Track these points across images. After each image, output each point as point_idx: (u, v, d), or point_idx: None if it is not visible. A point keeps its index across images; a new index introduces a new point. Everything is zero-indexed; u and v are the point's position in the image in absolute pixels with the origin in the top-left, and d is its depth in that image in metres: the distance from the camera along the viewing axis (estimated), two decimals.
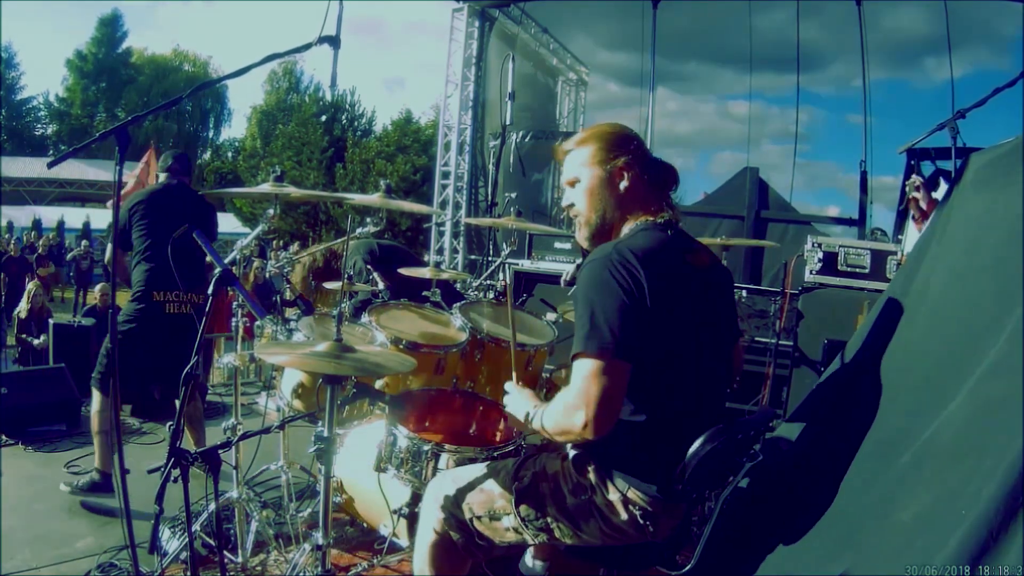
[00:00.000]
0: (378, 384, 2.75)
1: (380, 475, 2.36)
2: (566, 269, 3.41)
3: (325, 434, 1.94)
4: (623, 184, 1.85)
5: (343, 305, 2.75)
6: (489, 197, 7.85)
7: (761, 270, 7.62)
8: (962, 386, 1.58)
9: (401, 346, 2.77)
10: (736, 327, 2.03)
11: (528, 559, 2.32)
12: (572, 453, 1.85)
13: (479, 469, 1.99)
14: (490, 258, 5.66)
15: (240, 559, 2.77)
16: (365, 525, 3.03)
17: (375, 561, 2.83)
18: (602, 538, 1.81)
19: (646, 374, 1.69)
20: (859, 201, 8.73)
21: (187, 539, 2.11)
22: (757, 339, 5.22)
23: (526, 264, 6.00)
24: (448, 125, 9.87)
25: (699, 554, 1.82)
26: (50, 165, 2.63)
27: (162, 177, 3.98)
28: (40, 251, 14.23)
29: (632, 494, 1.74)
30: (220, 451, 1.96)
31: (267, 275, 9.16)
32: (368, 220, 3.29)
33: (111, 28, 36.30)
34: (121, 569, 2.71)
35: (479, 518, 1.90)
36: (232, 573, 2.73)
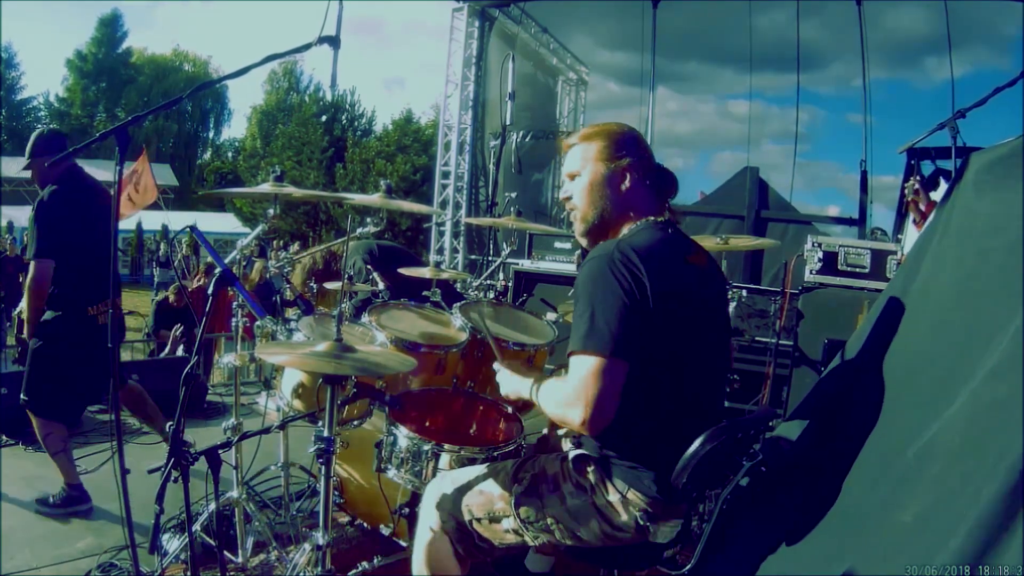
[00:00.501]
0: (378, 384, 2.75)
1: (380, 475, 2.36)
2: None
3: (325, 434, 1.94)
4: (624, 185, 1.86)
5: (344, 305, 2.75)
6: (489, 197, 7.85)
7: (761, 270, 7.62)
8: (964, 387, 1.58)
9: (401, 346, 2.77)
10: (730, 326, 2.04)
11: (532, 555, 2.32)
12: (572, 454, 1.85)
13: (478, 470, 1.99)
14: (490, 258, 5.66)
15: (240, 559, 2.77)
16: (365, 525, 3.03)
17: (375, 561, 2.83)
18: (602, 539, 1.81)
19: (647, 373, 1.69)
20: (859, 201, 8.73)
21: (187, 539, 2.11)
22: (757, 339, 5.22)
23: (526, 264, 6.00)
24: (448, 125, 9.88)
25: (699, 554, 1.82)
26: (50, 165, 2.63)
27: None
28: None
29: (632, 495, 1.74)
30: (220, 451, 1.96)
31: (267, 275, 9.16)
32: (368, 220, 3.28)
33: (111, 28, 36.28)
34: (121, 569, 2.71)
35: (479, 520, 1.90)
36: (232, 573, 2.73)
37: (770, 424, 2.84)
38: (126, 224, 18.20)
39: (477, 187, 10.06)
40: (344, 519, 3.21)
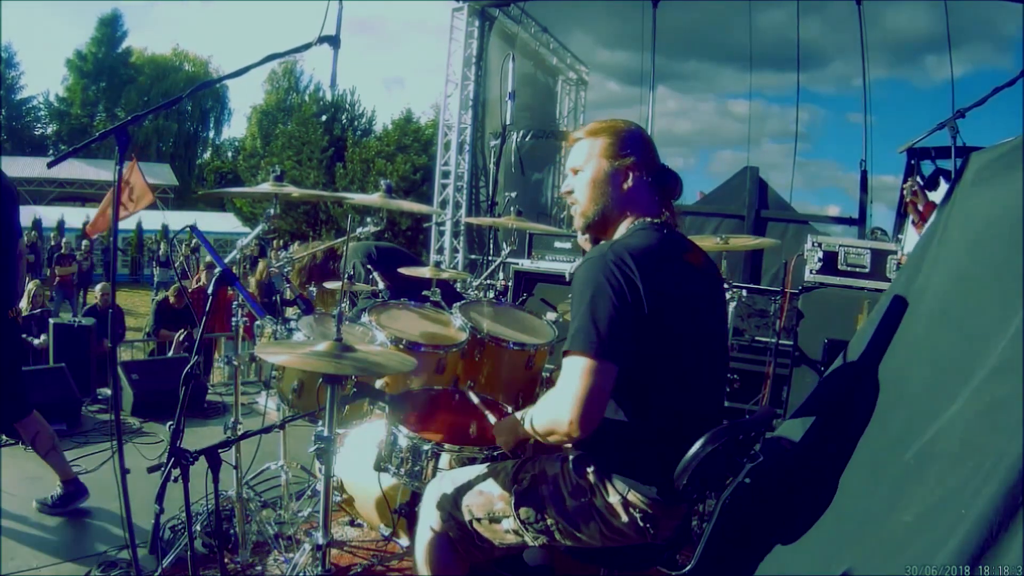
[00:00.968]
0: (378, 384, 2.75)
1: (380, 475, 2.36)
2: (574, 264, 3.42)
3: (325, 434, 1.94)
4: (626, 184, 1.85)
5: (343, 305, 2.75)
6: (489, 196, 7.85)
7: (761, 270, 7.62)
8: (964, 388, 1.58)
9: (401, 346, 2.77)
10: (727, 327, 2.05)
11: (531, 549, 2.32)
12: (572, 455, 1.85)
13: (478, 471, 1.99)
14: (490, 258, 5.66)
15: (240, 559, 2.77)
16: (365, 525, 3.03)
17: (375, 561, 2.84)
18: (602, 540, 1.81)
19: (645, 375, 1.69)
20: (859, 200, 8.73)
21: (187, 539, 2.11)
22: (757, 339, 5.23)
23: (526, 263, 5.99)
24: (448, 124, 9.87)
25: (699, 554, 1.82)
26: (50, 165, 2.63)
27: None
28: (63, 251, 14.26)
29: (632, 496, 1.74)
30: (220, 450, 1.96)
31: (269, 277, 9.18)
32: (368, 220, 3.28)
33: (111, 28, 36.28)
34: (121, 569, 2.71)
35: (479, 520, 1.90)
36: (232, 573, 2.73)
37: (771, 424, 2.84)
38: (126, 224, 18.18)
39: (477, 187, 10.06)
40: (344, 519, 3.21)
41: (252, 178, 26.04)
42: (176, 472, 1.87)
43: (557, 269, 5.76)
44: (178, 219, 13.93)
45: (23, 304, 7.71)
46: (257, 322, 2.81)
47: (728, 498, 1.86)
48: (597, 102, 13.91)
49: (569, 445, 1.88)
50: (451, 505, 1.93)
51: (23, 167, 25.55)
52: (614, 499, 1.76)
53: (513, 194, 5.53)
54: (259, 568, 2.78)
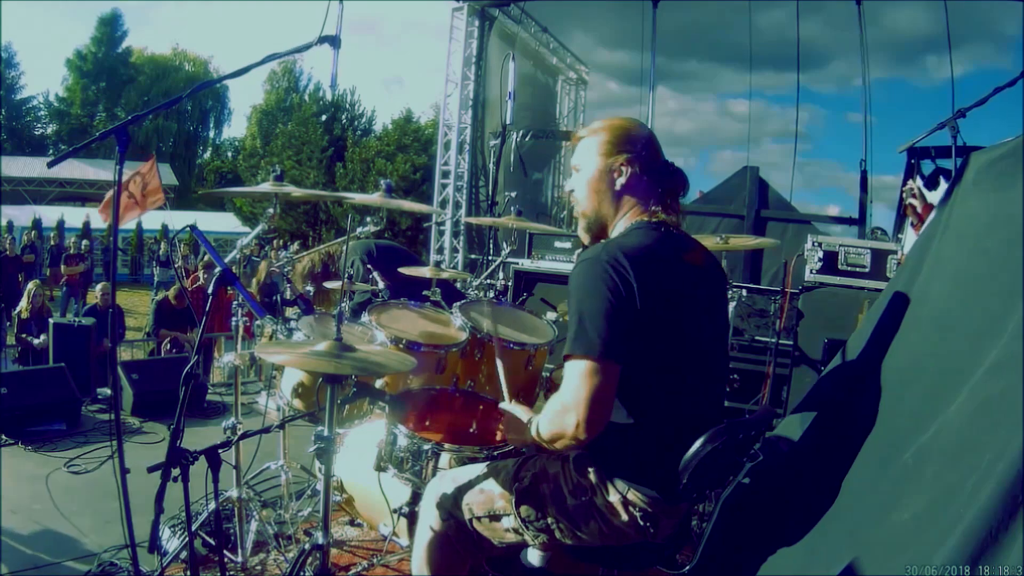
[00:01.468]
0: (378, 383, 2.75)
1: (380, 474, 2.36)
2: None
3: (325, 434, 1.94)
4: (620, 180, 1.84)
5: (343, 304, 2.75)
6: (489, 196, 7.86)
7: (761, 269, 7.62)
8: (963, 387, 1.58)
9: (401, 345, 2.77)
10: (729, 325, 2.03)
11: (529, 552, 2.32)
12: (572, 454, 1.85)
13: (479, 469, 1.99)
14: (490, 257, 5.67)
15: (240, 559, 2.77)
16: (365, 525, 3.03)
17: (375, 561, 2.84)
18: (602, 539, 1.81)
19: (644, 375, 1.69)
20: (859, 200, 8.73)
21: (187, 538, 2.11)
22: (757, 338, 5.23)
23: (526, 263, 5.99)
24: (448, 124, 9.87)
25: (699, 554, 1.82)
26: (50, 165, 2.63)
27: None
28: (71, 250, 14.27)
29: (632, 495, 1.74)
30: (220, 450, 1.96)
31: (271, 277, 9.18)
32: (368, 219, 3.28)
33: (111, 28, 36.22)
34: (121, 569, 2.71)
35: (479, 519, 1.90)
36: (232, 573, 2.73)
37: (771, 424, 2.84)
38: (125, 224, 18.18)
39: (477, 186, 10.05)
40: (344, 519, 3.21)
41: (252, 178, 26.01)
42: (176, 472, 1.87)
43: (557, 269, 5.76)
44: (178, 219, 13.89)
45: (23, 304, 7.72)
46: (257, 322, 2.81)
47: (728, 497, 1.86)
48: (597, 102, 13.94)
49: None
50: (451, 504, 1.93)
51: (23, 167, 25.56)
52: (614, 498, 1.75)
53: (513, 194, 5.54)
54: (259, 568, 2.78)
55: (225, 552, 2.73)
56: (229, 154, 36.82)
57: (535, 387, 3.07)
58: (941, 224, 2.19)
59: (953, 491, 1.41)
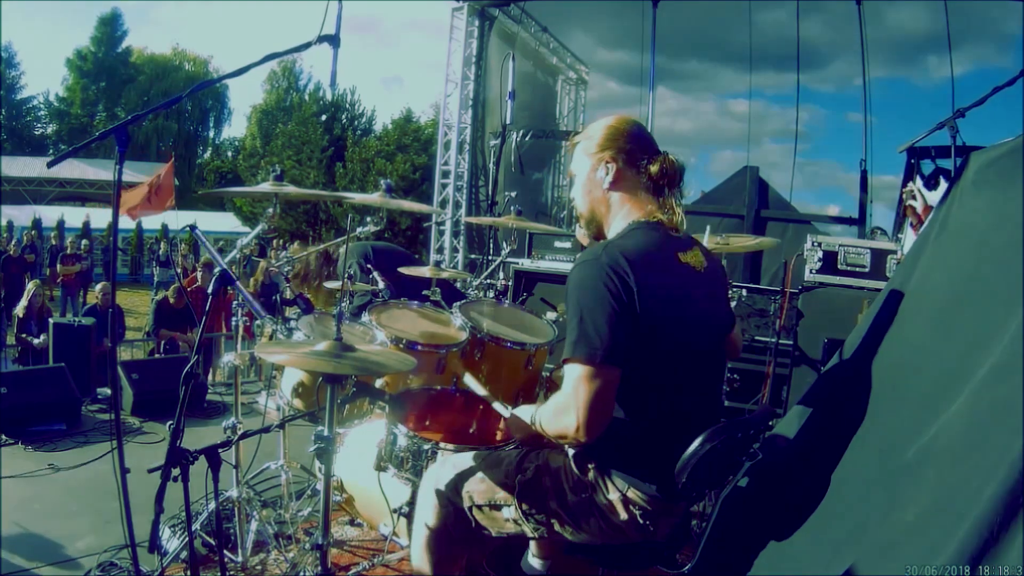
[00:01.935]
0: (378, 383, 2.75)
1: (380, 474, 2.36)
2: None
3: (325, 433, 1.94)
4: (607, 178, 1.83)
5: (343, 304, 2.75)
6: (489, 196, 7.86)
7: (761, 269, 7.62)
8: (964, 387, 1.58)
9: (401, 345, 2.77)
10: (731, 315, 2.02)
11: (529, 557, 2.32)
12: (572, 452, 1.85)
13: (481, 456, 1.99)
14: (490, 257, 5.66)
15: (240, 558, 2.77)
16: (365, 525, 3.03)
17: (375, 561, 2.84)
18: (602, 536, 1.81)
19: (643, 374, 1.69)
20: (859, 200, 8.73)
21: (187, 538, 2.11)
22: (757, 338, 5.22)
23: (526, 263, 5.99)
24: (448, 124, 9.87)
25: (699, 554, 1.83)
26: (50, 164, 2.64)
27: None
28: (68, 250, 14.26)
29: (632, 493, 1.74)
30: (220, 450, 1.96)
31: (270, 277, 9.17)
32: (368, 219, 3.28)
33: (111, 27, 36.24)
34: (121, 568, 2.71)
35: (479, 507, 1.90)
36: (232, 572, 2.73)
37: (770, 424, 2.84)
38: (125, 223, 18.16)
39: (477, 186, 10.05)
40: (344, 519, 3.21)
41: (252, 178, 25.98)
42: (176, 472, 1.87)
43: (557, 269, 5.76)
44: (178, 219, 13.88)
45: (22, 304, 7.72)
46: (257, 322, 2.81)
47: (728, 497, 1.86)
48: (597, 102, 13.93)
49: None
50: (451, 491, 1.93)
51: (23, 167, 25.56)
52: (614, 496, 1.76)
53: (513, 193, 5.52)
54: (259, 568, 2.78)
55: (225, 552, 2.73)
56: (229, 154, 36.83)
57: (535, 387, 3.07)
58: (939, 223, 2.18)
59: (954, 492, 1.41)
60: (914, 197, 3.40)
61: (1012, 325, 1.52)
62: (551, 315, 3.47)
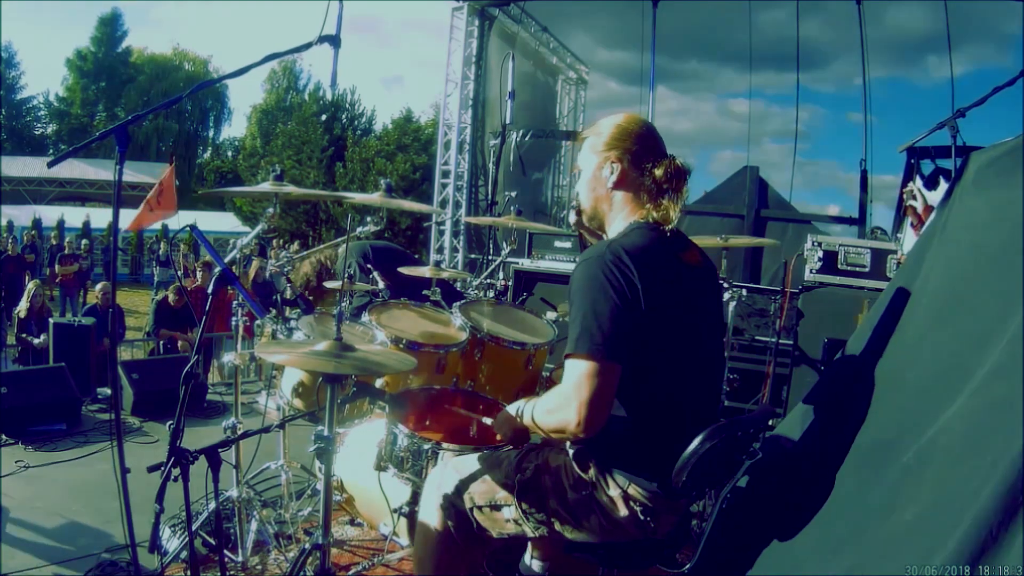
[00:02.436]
0: (378, 383, 2.75)
1: (380, 474, 2.36)
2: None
3: (325, 433, 1.94)
4: (612, 178, 1.84)
5: (344, 304, 2.75)
6: (489, 196, 7.86)
7: (761, 269, 7.61)
8: (964, 387, 1.58)
9: (401, 345, 2.77)
10: (724, 324, 2.05)
11: (528, 559, 2.32)
12: (573, 449, 1.85)
13: (482, 458, 1.99)
14: (490, 257, 5.67)
15: (240, 558, 2.77)
16: (365, 525, 3.03)
17: (375, 561, 2.84)
18: (602, 534, 1.81)
19: (644, 371, 1.70)
20: (859, 200, 8.72)
21: (187, 538, 2.11)
22: (757, 338, 5.22)
23: (526, 263, 5.99)
24: (448, 124, 9.86)
25: (700, 553, 1.83)
26: (50, 164, 2.64)
27: None
28: (66, 251, 14.25)
29: (632, 490, 1.75)
30: (220, 450, 1.96)
31: (267, 275, 9.17)
32: (368, 219, 3.28)
33: (111, 27, 36.25)
34: (121, 568, 2.71)
35: (480, 508, 1.90)
36: (232, 572, 2.73)
37: (769, 423, 2.84)
38: (125, 223, 18.16)
39: (477, 186, 10.05)
40: (344, 519, 3.21)
41: (252, 177, 25.99)
42: (176, 472, 1.87)
43: (557, 269, 5.76)
44: (178, 219, 13.89)
45: (22, 304, 7.72)
46: (257, 322, 2.81)
47: (728, 496, 1.86)
48: (597, 101, 13.91)
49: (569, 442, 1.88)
50: (453, 493, 1.93)
51: (23, 167, 25.56)
52: (614, 492, 1.76)
53: (513, 193, 5.53)
54: (259, 568, 2.78)
55: (225, 552, 2.73)
56: (229, 154, 36.84)
57: (535, 387, 3.07)
58: (940, 224, 2.19)
59: (954, 492, 1.41)
60: (914, 197, 3.40)
61: (1012, 325, 1.52)
62: (551, 315, 3.47)
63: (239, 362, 2.86)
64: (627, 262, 1.66)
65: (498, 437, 2.05)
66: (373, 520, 2.69)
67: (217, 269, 2.20)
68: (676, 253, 1.82)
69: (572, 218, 2.00)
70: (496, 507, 1.89)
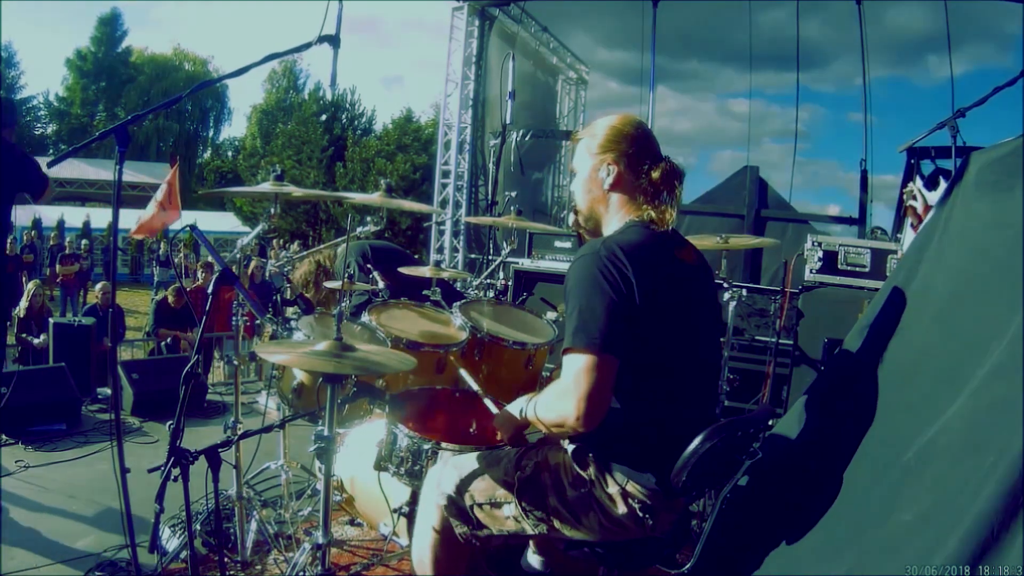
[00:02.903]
0: (378, 383, 2.75)
1: (380, 474, 2.36)
2: None
3: (325, 433, 1.94)
4: (608, 180, 1.86)
5: (343, 304, 2.75)
6: (489, 196, 7.85)
7: (760, 269, 7.61)
8: (964, 388, 1.58)
9: (401, 345, 2.77)
10: (720, 322, 2.05)
11: (529, 555, 2.32)
12: (571, 447, 1.85)
13: (481, 456, 2.00)
14: (490, 257, 5.66)
15: (240, 558, 2.77)
16: (365, 525, 3.03)
17: (375, 561, 2.84)
18: (601, 532, 1.81)
19: (641, 368, 1.71)
20: (859, 200, 8.71)
21: (187, 538, 2.11)
22: (757, 338, 5.22)
23: (526, 263, 5.99)
24: (448, 124, 9.86)
25: (699, 553, 1.83)
26: (50, 165, 2.63)
27: None
28: (67, 250, 14.24)
29: (631, 487, 1.75)
30: (220, 450, 1.96)
31: (267, 275, 9.18)
32: (368, 219, 3.28)
33: (111, 27, 36.25)
34: (121, 568, 2.71)
35: (480, 505, 1.91)
36: (232, 572, 2.73)
37: (769, 423, 2.84)
38: (125, 223, 18.17)
39: (477, 186, 10.05)
40: (344, 519, 3.21)
41: (252, 178, 25.98)
42: (176, 472, 1.87)
43: (557, 268, 5.76)
44: (178, 219, 13.89)
45: (22, 304, 7.72)
46: (258, 321, 2.81)
47: (728, 496, 1.86)
48: (597, 101, 13.91)
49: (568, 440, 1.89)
50: (453, 491, 1.93)
51: None
52: (613, 489, 1.77)
53: (513, 193, 5.52)
54: (259, 568, 2.78)
55: (225, 552, 2.73)
56: (229, 154, 36.84)
57: (535, 387, 3.07)
58: (941, 223, 2.18)
59: (955, 492, 1.41)
60: (914, 197, 3.40)
61: (1012, 326, 1.52)
62: (551, 315, 3.47)
63: (239, 362, 2.85)
64: (621, 258, 1.67)
65: (499, 436, 2.05)
66: (373, 520, 2.69)
67: (217, 269, 2.20)
68: (671, 251, 1.84)
69: (572, 219, 2.01)
70: (496, 504, 1.89)
